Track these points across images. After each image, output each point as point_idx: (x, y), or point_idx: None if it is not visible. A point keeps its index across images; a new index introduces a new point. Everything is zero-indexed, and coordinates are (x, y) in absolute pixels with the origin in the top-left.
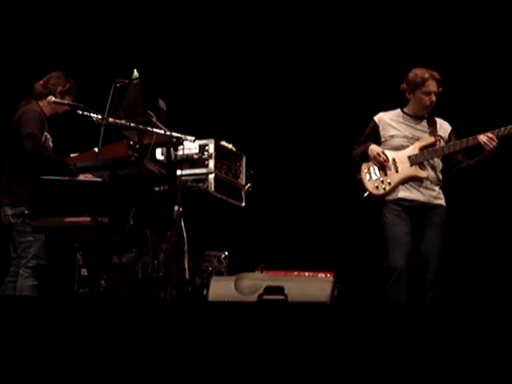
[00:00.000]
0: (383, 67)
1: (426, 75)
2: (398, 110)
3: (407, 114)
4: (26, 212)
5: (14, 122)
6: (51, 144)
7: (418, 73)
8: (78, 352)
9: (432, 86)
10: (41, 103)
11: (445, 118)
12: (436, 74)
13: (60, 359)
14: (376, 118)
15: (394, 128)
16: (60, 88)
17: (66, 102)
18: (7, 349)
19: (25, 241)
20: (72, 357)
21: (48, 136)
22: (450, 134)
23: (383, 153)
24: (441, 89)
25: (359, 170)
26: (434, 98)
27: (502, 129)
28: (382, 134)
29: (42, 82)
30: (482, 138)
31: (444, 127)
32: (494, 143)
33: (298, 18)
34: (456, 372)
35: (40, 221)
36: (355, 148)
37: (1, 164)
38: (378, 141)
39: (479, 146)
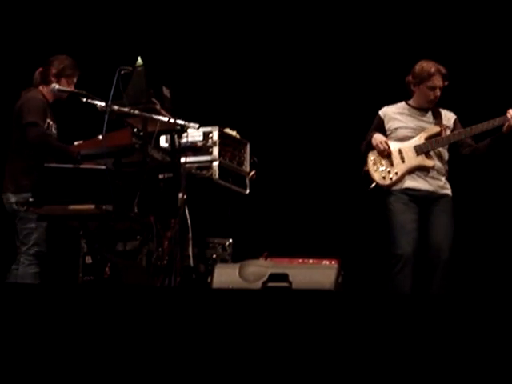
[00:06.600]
0: (391, 58)
1: (433, 70)
2: (403, 103)
3: (412, 106)
4: (31, 200)
5: (15, 109)
6: (54, 131)
7: (424, 66)
8: (82, 339)
9: (437, 80)
10: (42, 89)
11: (449, 108)
12: (442, 69)
13: (64, 347)
14: (381, 112)
15: (399, 120)
16: (54, 71)
17: (70, 89)
18: (10, 337)
19: (27, 227)
20: (76, 344)
21: (51, 123)
22: (454, 123)
23: (386, 142)
24: (446, 83)
25: (366, 161)
26: (438, 93)
27: None
28: (387, 127)
29: (41, 69)
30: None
31: (448, 117)
32: None
33: (305, 7)
34: (461, 359)
35: (44, 209)
36: (362, 143)
37: (5, 152)
38: (383, 134)
39: (486, 133)
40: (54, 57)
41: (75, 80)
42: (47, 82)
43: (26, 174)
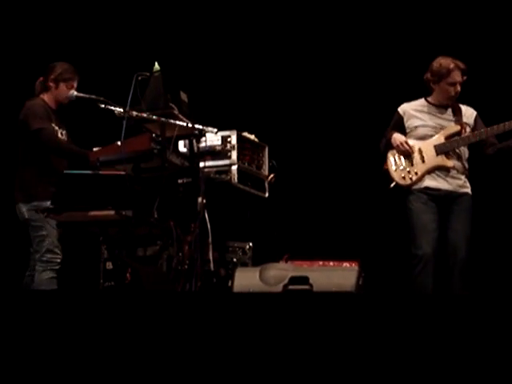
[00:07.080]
0: (407, 55)
1: (452, 65)
2: (422, 100)
3: (431, 104)
4: (50, 206)
5: (19, 119)
6: (61, 136)
7: (442, 63)
8: (103, 344)
9: (457, 76)
10: (43, 96)
11: (468, 104)
12: (461, 64)
13: (85, 353)
14: (400, 109)
15: (419, 118)
16: (52, 76)
17: (88, 95)
18: (33, 343)
19: (38, 235)
20: (97, 349)
21: (56, 128)
22: (475, 120)
23: (406, 142)
24: (465, 77)
25: (385, 160)
26: (458, 88)
27: None
28: (406, 125)
29: (41, 78)
30: None
31: (468, 114)
32: None
33: (320, 8)
34: (483, 359)
35: (64, 215)
36: (382, 140)
37: (12, 162)
38: (403, 132)
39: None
40: (53, 63)
41: (75, 85)
42: (47, 89)
43: (34, 182)
